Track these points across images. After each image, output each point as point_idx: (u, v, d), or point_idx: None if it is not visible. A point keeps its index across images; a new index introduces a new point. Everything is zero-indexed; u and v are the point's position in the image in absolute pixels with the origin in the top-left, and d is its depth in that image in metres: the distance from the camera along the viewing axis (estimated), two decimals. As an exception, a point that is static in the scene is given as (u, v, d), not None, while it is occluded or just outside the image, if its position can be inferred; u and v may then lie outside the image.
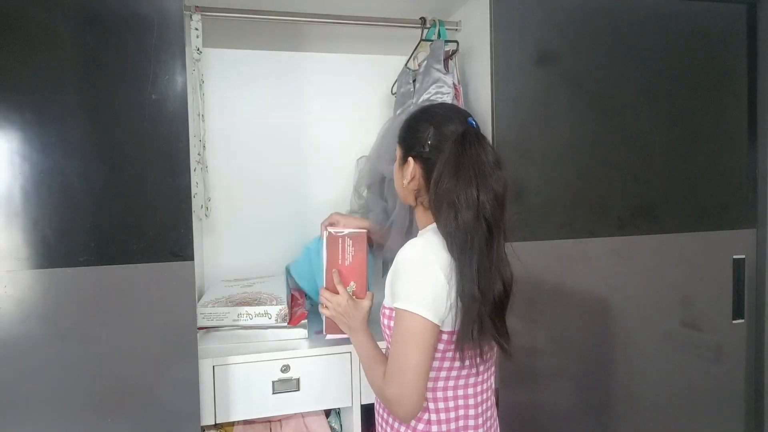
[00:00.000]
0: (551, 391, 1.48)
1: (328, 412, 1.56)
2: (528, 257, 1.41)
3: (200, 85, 1.53)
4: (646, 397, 1.55)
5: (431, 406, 0.99)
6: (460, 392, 1.00)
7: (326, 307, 1.19)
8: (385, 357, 1.04)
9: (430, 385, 0.98)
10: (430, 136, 0.98)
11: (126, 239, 1.17)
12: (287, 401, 1.37)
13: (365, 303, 1.16)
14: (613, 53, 1.49)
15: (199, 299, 1.54)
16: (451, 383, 1.00)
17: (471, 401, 1.01)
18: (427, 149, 0.98)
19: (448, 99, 1.50)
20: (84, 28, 1.14)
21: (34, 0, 1.12)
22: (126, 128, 1.17)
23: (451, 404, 1.00)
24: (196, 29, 1.44)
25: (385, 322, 1.03)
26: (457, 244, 0.91)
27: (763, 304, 1.62)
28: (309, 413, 1.50)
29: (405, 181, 1.03)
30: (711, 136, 1.58)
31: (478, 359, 0.96)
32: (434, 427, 0.99)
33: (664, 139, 1.53)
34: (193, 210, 1.27)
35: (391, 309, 1.00)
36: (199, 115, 1.54)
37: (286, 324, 1.44)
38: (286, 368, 1.37)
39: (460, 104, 1.52)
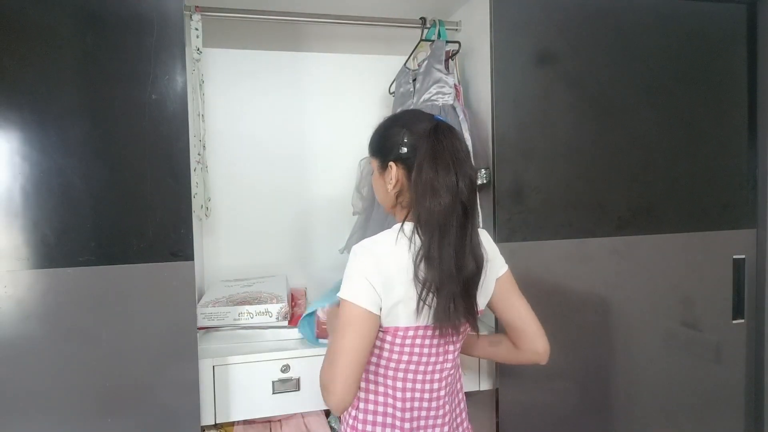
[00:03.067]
0: (551, 391, 1.48)
1: (328, 412, 1.56)
2: (528, 257, 1.41)
3: (200, 85, 1.53)
4: (646, 397, 1.55)
5: (362, 395, 1.04)
6: (393, 392, 1.03)
7: (324, 317, 1.30)
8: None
9: (371, 378, 1.03)
10: (405, 137, 1.01)
11: (126, 239, 1.17)
12: (287, 401, 1.37)
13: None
14: (613, 53, 1.49)
15: (199, 299, 1.54)
16: (388, 382, 1.03)
17: (416, 404, 1.03)
18: (405, 150, 1.01)
19: (449, 99, 1.50)
20: (84, 28, 1.14)
21: (34, 0, 1.12)
22: (126, 128, 1.17)
23: (381, 398, 1.03)
24: (196, 29, 1.44)
25: None
26: (438, 227, 0.94)
27: (763, 304, 1.62)
28: (309, 413, 1.50)
29: (389, 187, 1.04)
30: (711, 136, 1.58)
31: (454, 337, 1.03)
32: (379, 420, 1.03)
33: (664, 139, 1.53)
34: (193, 210, 1.27)
35: None
36: (199, 115, 1.54)
37: (286, 323, 1.44)
38: (286, 368, 1.37)
39: (461, 104, 1.52)
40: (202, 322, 1.42)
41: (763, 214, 1.61)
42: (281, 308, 1.42)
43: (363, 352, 0.95)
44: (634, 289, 1.52)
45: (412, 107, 1.58)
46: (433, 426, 1.05)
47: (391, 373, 1.03)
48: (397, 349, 1.01)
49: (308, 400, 1.39)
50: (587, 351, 1.50)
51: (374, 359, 1.03)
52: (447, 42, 1.55)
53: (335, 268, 1.96)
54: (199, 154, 1.56)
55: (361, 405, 1.05)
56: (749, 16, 1.59)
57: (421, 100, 1.53)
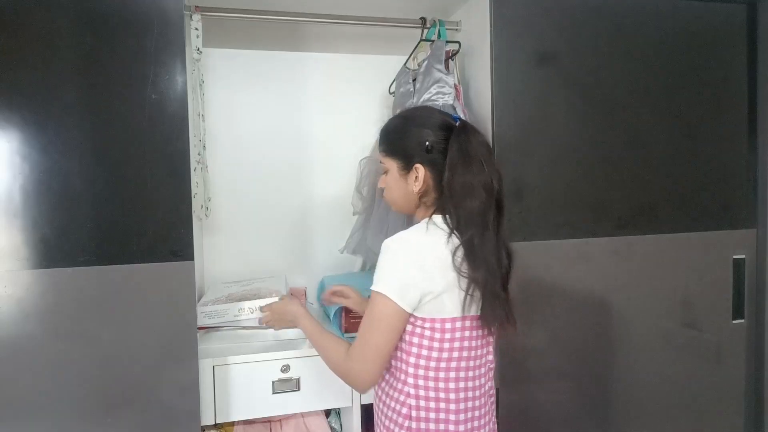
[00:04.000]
0: (551, 391, 1.48)
1: (328, 412, 1.56)
2: (528, 257, 1.41)
3: (200, 85, 1.53)
4: (646, 397, 1.55)
5: (412, 391, 1.01)
6: (441, 385, 1.01)
7: (268, 320, 1.29)
8: (333, 333, 1.12)
9: (411, 371, 1.01)
10: (429, 138, 1.02)
11: (126, 239, 1.17)
12: (287, 401, 1.37)
13: (294, 299, 1.35)
14: (613, 53, 1.49)
15: (199, 300, 1.54)
16: (431, 374, 1.01)
17: (452, 395, 1.02)
18: (432, 151, 1.02)
19: (449, 99, 1.50)
20: (84, 28, 1.15)
21: (34, 0, 1.12)
22: (126, 128, 1.17)
23: (432, 394, 1.01)
24: (196, 29, 1.44)
25: None
26: (478, 226, 0.97)
27: (763, 304, 1.62)
28: (309, 413, 1.50)
29: (415, 188, 1.04)
30: (711, 136, 1.58)
31: (488, 344, 1.06)
32: (414, 414, 1.01)
33: (664, 139, 1.53)
34: (193, 210, 1.27)
35: None
36: (199, 115, 1.54)
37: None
38: (286, 368, 1.37)
39: (461, 104, 1.52)
40: (202, 321, 1.42)
41: (763, 214, 1.61)
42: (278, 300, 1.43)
43: (393, 345, 1.00)
44: (634, 289, 1.52)
45: (412, 107, 1.58)
46: (486, 424, 1.05)
47: (442, 374, 1.01)
48: (446, 345, 1.00)
49: (308, 400, 1.39)
50: (587, 351, 1.50)
51: (422, 362, 1.01)
52: (447, 42, 1.55)
53: (335, 268, 1.96)
54: (199, 154, 1.56)
55: (414, 413, 1.01)
56: (749, 16, 1.59)
57: (421, 100, 1.53)
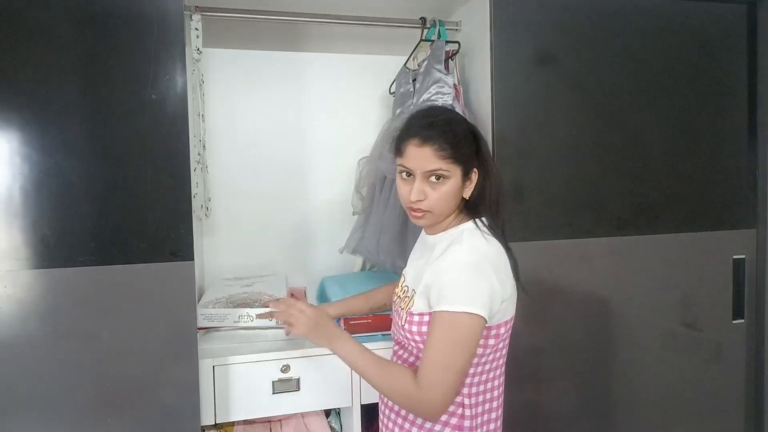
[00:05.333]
0: (551, 390, 1.48)
1: (328, 412, 1.56)
2: (528, 257, 1.41)
3: (200, 85, 1.53)
4: (646, 397, 1.55)
5: (466, 401, 0.99)
6: (490, 385, 1.02)
7: (292, 324, 1.10)
8: (384, 358, 1.02)
9: (467, 380, 0.99)
10: (475, 145, 1.02)
11: (126, 239, 1.17)
12: (287, 401, 1.37)
13: (325, 307, 1.25)
14: (613, 53, 1.49)
15: (199, 299, 1.54)
16: (484, 377, 1.01)
17: (496, 393, 1.04)
18: (477, 157, 1.02)
19: (448, 99, 1.50)
20: (84, 28, 1.14)
21: (34, 0, 1.12)
22: (126, 128, 1.17)
23: (481, 398, 1.01)
24: (196, 29, 1.44)
25: (414, 329, 0.99)
26: (505, 232, 1.02)
27: (763, 304, 1.62)
28: (309, 413, 1.50)
29: (467, 195, 1.02)
30: (711, 136, 1.58)
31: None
32: (467, 424, 0.99)
33: (664, 139, 1.53)
34: (193, 210, 1.27)
35: (422, 314, 0.99)
36: (199, 115, 1.54)
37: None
38: (286, 368, 1.37)
39: (461, 104, 1.52)
40: (202, 322, 1.42)
41: (763, 214, 1.61)
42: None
43: (470, 364, 0.96)
44: (634, 289, 1.52)
45: (412, 107, 1.58)
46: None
47: (492, 374, 1.02)
48: (501, 345, 1.01)
49: (308, 400, 1.39)
50: (587, 351, 1.50)
51: (479, 368, 0.99)
52: (447, 42, 1.55)
53: (335, 268, 1.96)
54: (199, 154, 1.56)
55: (467, 423, 0.99)
56: (749, 16, 1.59)
57: (421, 100, 1.53)
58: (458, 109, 1.49)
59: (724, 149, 1.59)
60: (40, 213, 1.13)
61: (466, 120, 1.06)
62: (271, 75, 1.92)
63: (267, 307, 1.40)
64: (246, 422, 1.46)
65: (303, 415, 1.50)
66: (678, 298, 1.56)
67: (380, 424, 1.12)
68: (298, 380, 1.37)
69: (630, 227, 1.51)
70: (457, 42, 1.55)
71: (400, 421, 1.04)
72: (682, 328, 1.57)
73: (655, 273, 1.54)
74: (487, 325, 0.94)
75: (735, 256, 1.60)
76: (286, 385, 1.36)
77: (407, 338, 1.02)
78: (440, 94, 1.50)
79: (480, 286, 0.92)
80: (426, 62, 1.56)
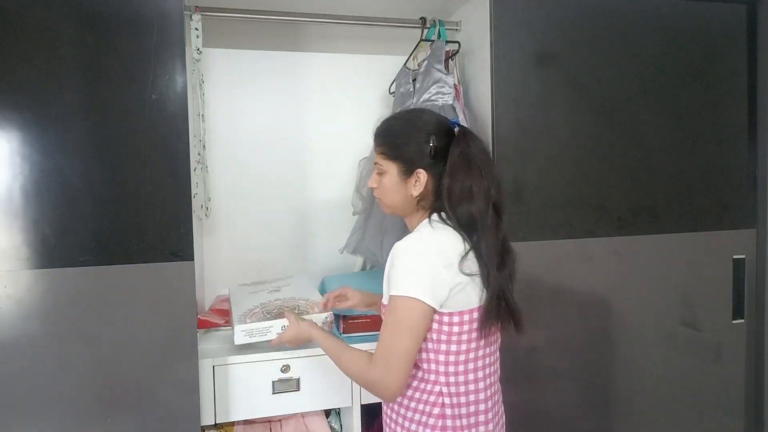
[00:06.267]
0: (551, 390, 1.48)
1: (328, 412, 1.56)
2: (528, 257, 1.41)
3: (200, 85, 1.53)
4: (646, 397, 1.55)
5: (446, 401, 1.00)
6: (471, 376, 1.02)
7: (281, 338, 1.22)
8: (349, 345, 1.11)
9: (441, 369, 1.00)
10: (432, 143, 1.03)
11: (126, 239, 1.17)
12: (287, 401, 1.37)
13: (305, 316, 1.28)
14: (613, 53, 1.49)
15: (198, 300, 1.54)
16: (461, 368, 1.01)
17: (481, 384, 1.03)
18: (433, 157, 1.03)
19: (448, 99, 1.50)
20: (84, 28, 1.14)
21: (34, 0, 1.12)
22: (126, 128, 1.17)
23: (464, 399, 1.01)
24: (196, 29, 1.44)
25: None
26: (476, 230, 0.99)
27: (763, 304, 1.62)
28: (309, 413, 1.50)
29: (415, 193, 1.05)
30: (711, 136, 1.58)
31: (498, 333, 1.06)
32: (448, 412, 1.00)
33: (664, 139, 1.53)
34: (193, 210, 1.27)
35: (386, 305, 1.03)
36: (199, 115, 1.54)
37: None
38: (286, 368, 1.37)
39: (461, 104, 1.52)
40: (242, 339, 1.29)
41: (763, 214, 1.61)
42: (327, 317, 1.34)
43: (418, 346, 0.98)
44: (634, 289, 1.52)
45: (412, 107, 1.58)
46: (502, 414, 1.10)
47: (471, 365, 1.02)
48: (474, 335, 1.00)
49: (308, 400, 1.39)
50: (587, 351, 1.50)
51: (452, 357, 1.00)
52: (447, 42, 1.55)
53: (335, 268, 1.96)
54: (199, 154, 1.56)
55: (448, 411, 1.01)
56: (749, 16, 1.59)
57: (421, 100, 1.53)
58: (458, 109, 1.49)
59: (724, 149, 1.59)
60: (40, 213, 1.13)
61: (428, 121, 1.07)
62: (271, 75, 1.92)
63: (309, 313, 1.35)
64: (246, 422, 1.46)
65: (303, 415, 1.50)
66: (678, 298, 1.56)
67: (384, 425, 1.12)
68: (298, 380, 1.37)
69: (630, 227, 1.51)
70: (457, 42, 1.55)
71: (401, 421, 1.05)
72: (682, 328, 1.57)
73: (655, 273, 1.54)
74: (439, 310, 0.97)
75: (735, 256, 1.60)
76: (286, 385, 1.36)
77: None
78: (440, 94, 1.50)
79: (420, 272, 0.96)
80: (426, 62, 1.56)
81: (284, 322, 1.29)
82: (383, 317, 1.04)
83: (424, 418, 1.01)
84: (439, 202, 1.04)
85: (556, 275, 1.46)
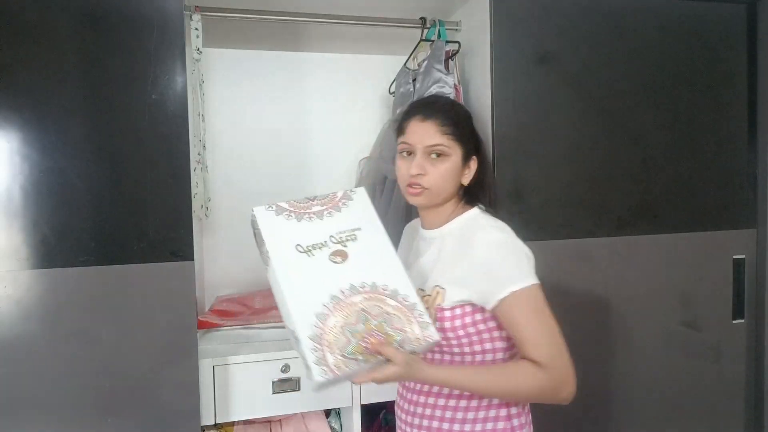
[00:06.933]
0: (551, 391, 1.47)
1: (328, 412, 1.56)
2: (528, 257, 1.41)
3: (200, 85, 1.53)
4: (646, 397, 1.55)
5: None
6: None
7: (374, 377, 0.85)
8: (485, 366, 0.95)
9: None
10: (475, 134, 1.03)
11: (126, 239, 1.17)
12: (287, 401, 1.37)
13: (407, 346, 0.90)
14: (613, 53, 1.49)
15: (198, 300, 1.54)
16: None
17: None
18: (477, 147, 1.03)
19: (448, 99, 1.50)
20: (84, 28, 1.15)
21: (34, 0, 1.12)
22: (126, 128, 1.17)
23: None
24: (196, 29, 1.44)
25: (448, 324, 0.93)
26: None
27: (763, 304, 1.62)
28: (309, 413, 1.50)
29: (466, 182, 1.01)
30: (711, 136, 1.58)
31: None
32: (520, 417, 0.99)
33: (664, 139, 1.53)
34: (193, 210, 1.28)
35: (458, 306, 0.93)
36: (199, 115, 1.54)
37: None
38: (286, 368, 1.37)
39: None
40: (323, 377, 0.88)
41: (763, 214, 1.61)
42: (433, 341, 0.90)
43: None
44: (634, 289, 1.52)
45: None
46: None
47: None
48: None
49: (308, 400, 1.39)
50: (587, 351, 1.50)
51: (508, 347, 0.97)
52: (447, 42, 1.55)
53: (335, 268, 1.96)
54: (199, 154, 1.56)
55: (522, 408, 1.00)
56: (749, 16, 1.59)
57: (421, 100, 1.53)
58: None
59: (724, 149, 1.59)
60: (40, 213, 1.13)
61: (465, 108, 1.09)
62: (272, 75, 1.92)
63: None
64: (246, 422, 1.46)
65: (303, 415, 1.50)
66: (678, 298, 1.56)
67: (398, 430, 1.04)
68: (298, 380, 1.37)
69: (630, 227, 1.51)
70: (457, 42, 1.55)
71: (427, 423, 0.97)
72: (682, 328, 1.57)
73: (655, 273, 1.54)
74: None
75: (735, 256, 1.60)
76: (286, 385, 1.36)
77: (453, 334, 0.94)
78: (441, 93, 1.50)
79: (525, 258, 0.93)
80: (426, 62, 1.56)
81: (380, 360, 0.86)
82: (456, 323, 0.92)
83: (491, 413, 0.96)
84: (470, 193, 1.02)
85: (556, 275, 1.46)
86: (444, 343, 0.94)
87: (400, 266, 0.94)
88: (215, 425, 1.37)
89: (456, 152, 0.97)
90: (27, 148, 1.12)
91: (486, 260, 0.92)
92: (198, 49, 1.46)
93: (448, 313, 0.93)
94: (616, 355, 1.53)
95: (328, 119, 1.97)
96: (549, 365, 0.88)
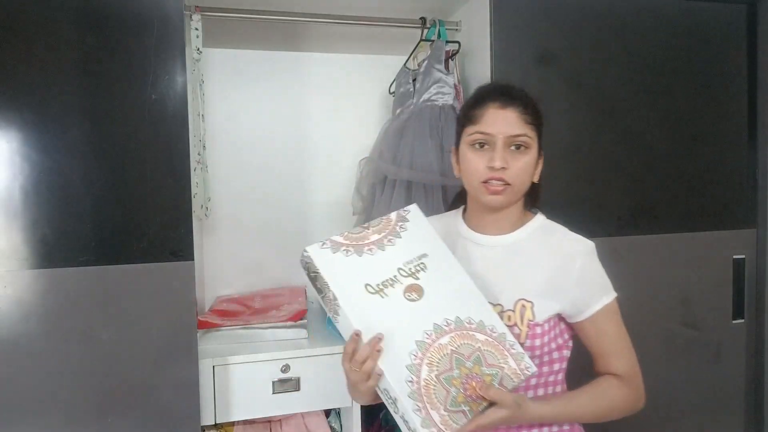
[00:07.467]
0: (551, 391, 1.47)
1: (328, 412, 1.56)
2: (528, 257, 1.41)
3: (200, 85, 1.53)
4: (645, 397, 1.55)
5: None
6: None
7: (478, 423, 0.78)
8: (574, 391, 0.91)
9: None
10: None
11: (126, 239, 1.17)
12: (287, 401, 1.37)
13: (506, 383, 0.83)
14: (613, 53, 1.49)
15: (198, 300, 1.54)
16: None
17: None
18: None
19: (449, 99, 1.50)
20: (84, 28, 1.14)
21: (34, 0, 1.12)
22: (126, 128, 1.17)
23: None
24: (196, 29, 1.44)
25: (538, 342, 0.88)
26: None
27: (763, 304, 1.62)
28: (309, 413, 1.50)
29: (536, 178, 0.93)
30: (711, 136, 1.58)
31: None
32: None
33: (664, 139, 1.53)
34: (193, 210, 1.27)
35: (549, 320, 0.89)
36: (199, 115, 1.54)
37: (287, 322, 1.43)
38: (286, 368, 1.37)
39: (461, 104, 1.52)
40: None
41: (763, 214, 1.61)
42: (528, 370, 0.86)
43: None
44: (634, 289, 1.52)
45: (412, 107, 1.58)
46: None
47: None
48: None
49: (308, 400, 1.39)
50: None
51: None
52: (447, 42, 1.55)
53: (335, 268, 1.96)
54: (199, 154, 1.56)
55: None
56: (749, 16, 1.59)
57: (421, 100, 1.53)
58: (458, 109, 1.49)
59: (724, 149, 1.59)
60: (40, 213, 1.13)
61: None
62: (271, 75, 1.92)
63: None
64: (246, 422, 1.46)
65: (303, 415, 1.50)
66: (678, 298, 1.56)
67: None
68: (298, 380, 1.37)
69: (630, 227, 1.51)
70: (457, 42, 1.55)
71: None
72: (682, 328, 1.57)
73: (655, 273, 1.54)
74: None
75: (735, 256, 1.60)
76: (286, 385, 1.36)
77: (534, 354, 0.88)
78: (440, 93, 1.50)
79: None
80: (426, 62, 1.56)
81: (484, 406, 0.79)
82: (531, 342, 0.87)
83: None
84: (532, 196, 0.97)
85: (556, 275, 1.46)
86: (545, 355, 0.91)
87: (479, 293, 0.86)
88: (215, 425, 1.37)
89: (534, 144, 0.90)
90: (27, 148, 1.12)
91: (582, 271, 0.88)
92: (198, 49, 1.46)
93: (539, 329, 0.88)
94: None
95: (328, 119, 1.97)
96: (631, 375, 0.89)
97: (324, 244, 0.87)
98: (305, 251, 0.85)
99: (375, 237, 0.88)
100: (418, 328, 0.81)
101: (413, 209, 0.92)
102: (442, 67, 1.51)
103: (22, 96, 1.11)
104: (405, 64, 1.72)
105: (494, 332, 0.83)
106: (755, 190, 1.61)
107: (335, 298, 0.81)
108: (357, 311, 0.80)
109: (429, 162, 1.46)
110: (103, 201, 1.16)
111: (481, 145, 0.89)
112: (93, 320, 1.16)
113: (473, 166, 0.89)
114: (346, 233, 0.89)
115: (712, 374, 1.60)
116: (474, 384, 0.78)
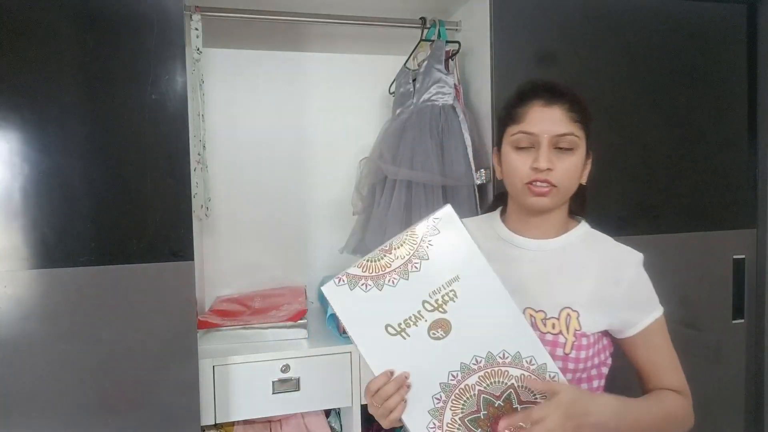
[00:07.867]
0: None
1: (328, 412, 1.56)
2: (528, 257, 1.41)
3: (200, 85, 1.53)
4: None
5: None
6: None
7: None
8: (643, 398, 0.87)
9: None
10: None
11: (126, 239, 1.17)
12: (287, 401, 1.37)
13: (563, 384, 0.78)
14: (613, 53, 1.49)
15: (198, 300, 1.54)
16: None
17: None
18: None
19: (449, 99, 1.50)
20: (84, 28, 1.14)
21: (34, 0, 1.12)
22: (126, 128, 1.17)
23: None
24: (196, 29, 1.44)
25: (583, 354, 0.84)
26: None
27: (763, 304, 1.62)
28: (309, 413, 1.50)
29: (584, 180, 0.90)
30: (711, 136, 1.57)
31: None
32: None
33: (664, 139, 1.53)
34: (193, 210, 1.27)
35: (597, 332, 0.86)
36: (199, 115, 1.54)
37: (287, 321, 1.43)
38: (286, 368, 1.37)
39: (461, 104, 1.52)
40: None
41: (763, 214, 1.61)
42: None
43: None
44: (634, 289, 1.52)
45: (412, 107, 1.58)
46: None
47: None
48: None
49: (308, 400, 1.39)
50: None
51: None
52: (447, 42, 1.55)
53: (335, 268, 1.96)
54: (199, 154, 1.56)
55: None
56: (749, 16, 1.59)
57: (421, 100, 1.53)
58: (458, 109, 1.49)
59: (724, 149, 1.59)
60: (40, 213, 1.13)
61: None
62: (272, 75, 1.92)
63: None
64: (246, 422, 1.46)
65: (303, 415, 1.50)
66: (678, 298, 1.56)
67: None
68: (298, 380, 1.37)
69: (630, 227, 1.51)
70: (457, 42, 1.55)
71: None
72: (682, 328, 1.57)
73: (655, 273, 1.53)
74: None
75: (735, 256, 1.60)
76: (286, 385, 1.36)
77: (577, 366, 0.84)
78: (440, 94, 1.50)
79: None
80: (426, 62, 1.56)
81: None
82: (576, 354, 0.83)
83: None
84: (575, 197, 0.91)
85: (556, 275, 1.46)
86: (593, 369, 0.87)
87: (520, 316, 0.75)
88: (215, 425, 1.37)
89: (582, 144, 0.85)
90: (27, 148, 1.12)
91: (632, 283, 0.85)
92: (198, 49, 1.46)
93: (585, 341, 0.84)
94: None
95: (328, 119, 1.97)
96: (684, 391, 0.86)
97: (341, 280, 0.77)
98: (321, 290, 0.80)
99: (397, 263, 0.77)
100: (443, 369, 0.75)
101: (445, 215, 0.78)
102: (442, 67, 1.51)
103: (22, 96, 1.11)
104: (405, 64, 1.72)
105: (533, 364, 0.75)
106: (755, 190, 1.61)
107: (354, 342, 0.77)
108: (377, 355, 0.75)
109: (429, 162, 1.46)
110: (103, 201, 1.16)
111: (524, 145, 0.84)
112: (93, 320, 1.16)
113: (516, 167, 0.84)
114: (364, 261, 0.78)
115: (712, 374, 1.60)
116: (502, 424, 0.73)
